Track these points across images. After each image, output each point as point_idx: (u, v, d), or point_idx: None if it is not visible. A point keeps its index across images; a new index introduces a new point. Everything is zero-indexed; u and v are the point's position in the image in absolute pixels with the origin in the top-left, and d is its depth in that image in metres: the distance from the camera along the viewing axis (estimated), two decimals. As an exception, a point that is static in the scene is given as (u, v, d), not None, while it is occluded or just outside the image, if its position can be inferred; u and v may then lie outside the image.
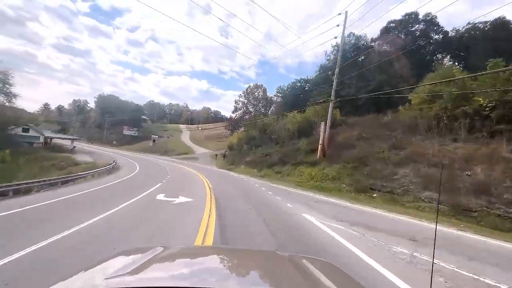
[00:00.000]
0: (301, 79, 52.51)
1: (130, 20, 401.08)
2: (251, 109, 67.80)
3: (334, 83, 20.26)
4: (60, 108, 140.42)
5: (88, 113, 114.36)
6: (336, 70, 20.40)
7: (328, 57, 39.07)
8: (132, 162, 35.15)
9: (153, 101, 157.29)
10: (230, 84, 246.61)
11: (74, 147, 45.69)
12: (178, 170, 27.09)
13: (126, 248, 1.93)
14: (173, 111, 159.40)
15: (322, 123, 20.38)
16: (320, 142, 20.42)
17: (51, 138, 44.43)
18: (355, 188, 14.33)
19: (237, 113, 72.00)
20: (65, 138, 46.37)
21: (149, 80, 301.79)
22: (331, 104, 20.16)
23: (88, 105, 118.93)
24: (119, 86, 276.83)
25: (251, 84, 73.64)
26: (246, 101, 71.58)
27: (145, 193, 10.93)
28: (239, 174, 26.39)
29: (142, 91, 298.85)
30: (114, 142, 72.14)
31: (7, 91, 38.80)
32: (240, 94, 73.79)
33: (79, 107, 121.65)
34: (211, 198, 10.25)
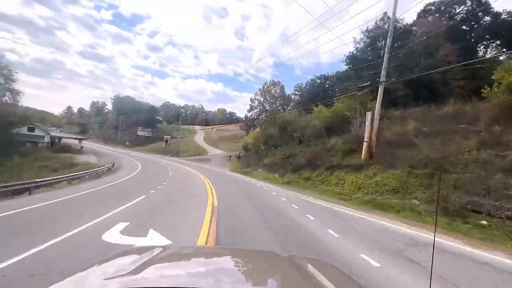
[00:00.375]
0: (321, 75, 47.26)
1: (150, 26, 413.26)
2: (268, 108, 62.98)
3: (385, 60, 14.92)
4: (80, 111, 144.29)
5: (106, 115, 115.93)
6: (388, 42, 15.03)
7: (357, 45, 33.66)
8: (135, 163, 31.65)
9: (168, 102, 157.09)
10: (246, 86, 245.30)
11: (82, 147, 43.23)
12: (183, 175, 22.79)
13: None
14: (188, 112, 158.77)
15: (368, 113, 15.07)
16: (365, 139, 15.12)
17: (60, 138, 42.29)
18: (443, 209, 8.93)
19: (252, 112, 67.56)
20: (74, 138, 44.05)
21: (167, 83, 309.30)
22: (381, 88, 14.82)
23: (106, 106, 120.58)
24: (139, 89, 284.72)
25: (268, 82, 68.98)
26: (262, 99, 66.97)
27: (104, 217, 6.43)
28: (256, 179, 21.60)
29: (160, 94, 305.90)
30: (127, 143, 70.29)
31: (11, 87, 37.07)
32: (256, 92, 69.37)
33: (98, 109, 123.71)
34: (208, 232, 5.55)
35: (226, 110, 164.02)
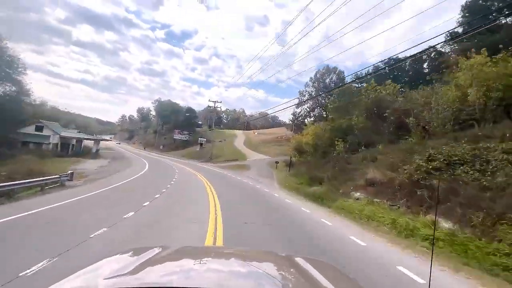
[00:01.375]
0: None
1: (197, 40, 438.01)
2: (323, 100, 49.02)
3: None
4: (131, 118, 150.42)
5: (150, 120, 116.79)
6: None
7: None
8: (138, 170, 22.14)
9: (210, 106, 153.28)
10: (287, 92, 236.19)
11: (98, 150, 36.04)
12: (198, 190, 11.21)
13: None
14: (229, 117, 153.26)
15: None
16: None
17: (79, 140, 35.95)
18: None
19: (302, 108, 54.28)
20: (87, 139, 37.16)
21: (212, 93, 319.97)
22: None
23: (151, 112, 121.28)
24: (187, 100, 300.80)
25: (321, 69, 54.95)
26: (314, 90, 53.39)
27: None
28: (351, 223, 8.65)
29: (205, 103, 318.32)
30: (161, 147, 64.06)
31: (15, 77, 31.67)
32: (307, 83, 56.06)
33: (143, 115, 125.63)
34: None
35: (268, 114, 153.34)
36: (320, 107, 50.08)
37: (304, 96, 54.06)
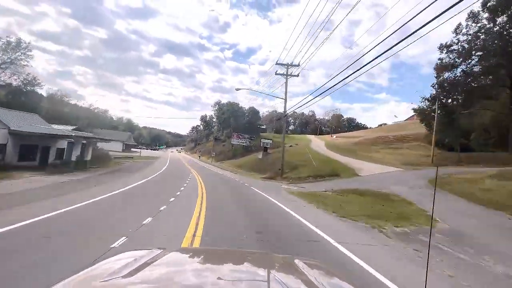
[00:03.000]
0: None
1: (260, 55, 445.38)
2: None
3: None
4: (197, 128, 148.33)
5: (212, 127, 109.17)
6: None
7: None
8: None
9: (276, 111, 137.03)
10: (356, 96, 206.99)
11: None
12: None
13: None
14: (297, 121, 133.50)
15: None
16: None
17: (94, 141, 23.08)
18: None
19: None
20: (64, 137, 22.35)
21: (276, 104, 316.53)
22: None
23: (213, 119, 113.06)
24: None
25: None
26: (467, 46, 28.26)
27: None
28: None
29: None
30: (213, 153, 49.51)
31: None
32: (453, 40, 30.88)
33: (206, 122, 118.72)
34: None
35: (343, 116, 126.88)
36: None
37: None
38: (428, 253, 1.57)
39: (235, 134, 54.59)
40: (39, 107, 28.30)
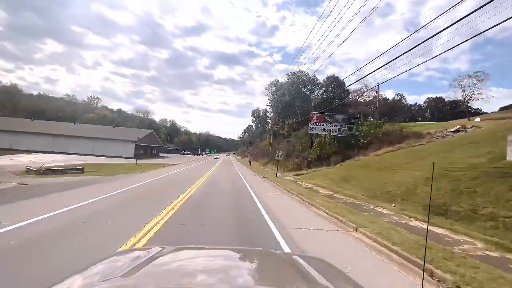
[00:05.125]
0: None
1: (311, 53, 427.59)
2: None
3: None
4: (249, 128, 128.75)
5: (267, 123, 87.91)
6: None
7: None
8: None
9: (367, 86, 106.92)
10: (426, 86, 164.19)
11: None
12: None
13: None
14: (374, 108, 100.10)
15: None
16: None
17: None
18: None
19: None
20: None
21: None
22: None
23: (268, 114, 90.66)
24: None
25: None
26: None
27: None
28: None
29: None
30: (280, 155, 26.21)
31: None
32: None
33: (258, 119, 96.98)
34: None
35: (443, 98, 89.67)
36: None
37: None
38: (425, 256, 1.87)
39: (315, 116, 30.90)
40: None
